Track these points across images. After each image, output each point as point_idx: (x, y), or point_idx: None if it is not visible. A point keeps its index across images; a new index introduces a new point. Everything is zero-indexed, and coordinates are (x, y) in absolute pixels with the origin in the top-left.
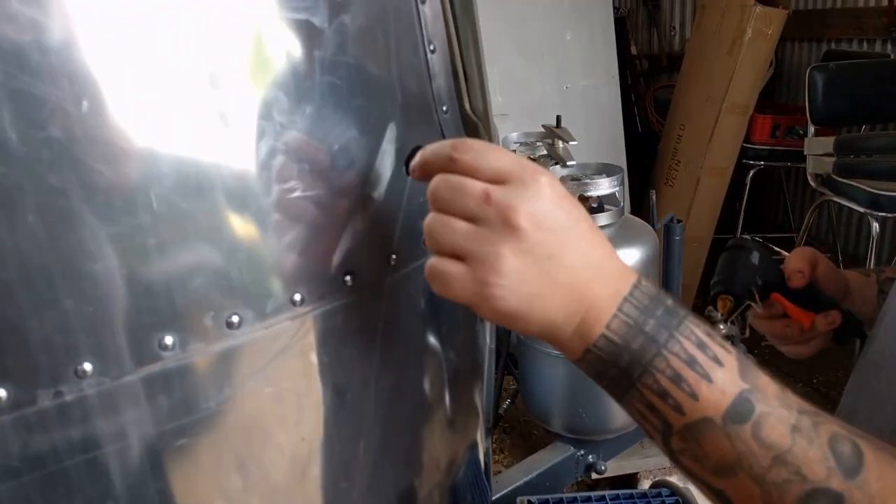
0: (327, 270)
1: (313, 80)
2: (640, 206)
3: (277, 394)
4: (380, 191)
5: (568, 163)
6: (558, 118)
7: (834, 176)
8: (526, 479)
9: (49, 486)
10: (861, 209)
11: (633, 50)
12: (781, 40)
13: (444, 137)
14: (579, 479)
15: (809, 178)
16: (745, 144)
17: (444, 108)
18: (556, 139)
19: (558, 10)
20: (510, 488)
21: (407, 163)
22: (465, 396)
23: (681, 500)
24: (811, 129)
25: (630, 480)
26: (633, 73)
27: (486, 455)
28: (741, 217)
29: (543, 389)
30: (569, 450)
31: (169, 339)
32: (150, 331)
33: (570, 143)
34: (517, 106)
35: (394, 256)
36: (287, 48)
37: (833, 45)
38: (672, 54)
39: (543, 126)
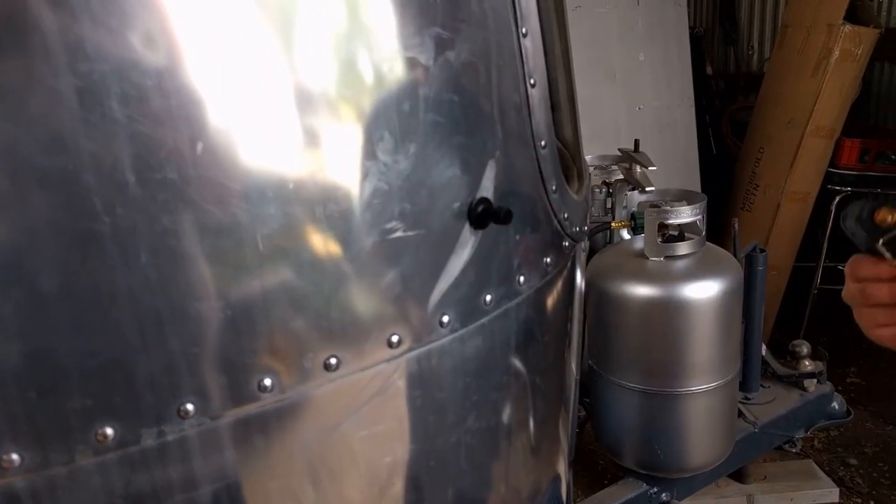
0: (424, 311)
1: (417, 119)
2: (715, 231)
3: (371, 437)
4: (477, 230)
5: (647, 188)
6: (636, 142)
7: None
8: None
9: None
10: None
11: (709, 69)
12: (870, 59)
13: (541, 173)
14: None
15: None
16: (830, 169)
17: (543, 143)
18: (633, 163)
19: (632, 29)
20: None
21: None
22: (550, 429)
23: None
24: None
25: None
26: (709, 93)
27: (567, 488)
28: (825, 245)
29: (616, 422)
30: (641, 486)
31: (268, 381)
32: (251, 372)
33: (649, 168)
34: (588, 127)
35: (489, 297)
36: (393, 86)
37: None
38: (750, 74)
39: (620, 150)
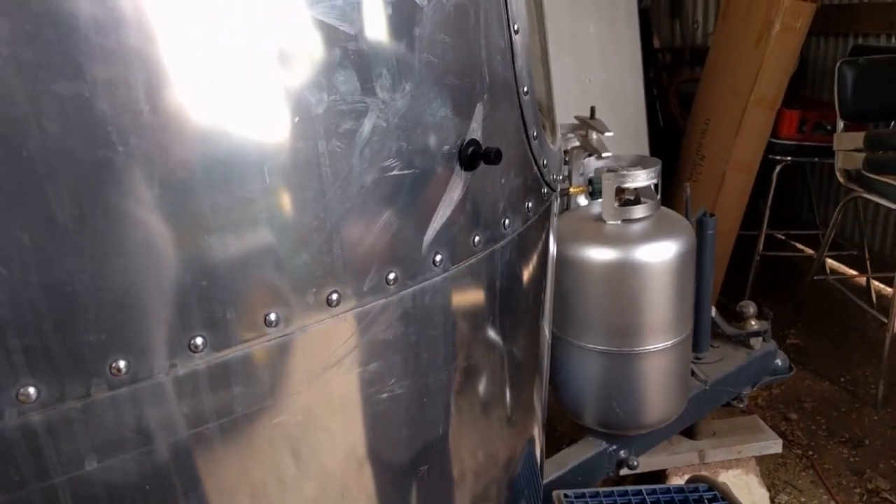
0: (419, 250)
1: (413, 57)
2: (663, 202)
3: (370, 372)
4: (467, 171)
5: (603, 154)
6: (592, 109)
7: (864, 172)
8: (559, 473)
9: (159, 459)
10: (892, 205)
11: (656, 43)
12: (807, 34)
13: (523, 119)
14: (610, 474)
15: (838, 174)
16: (771, 139)
17: (525, 90)
18: (589, 130)
19: (581, 2)
20: (543, 482)
21: (461, 156)
22: (525, 392)
23: (718, 495)
24: (840, 124)
25: (657, 477)
26: (656, 66)
27: (541, 450)
28: (766, 213)
29: (577, 383)
30: (601, 444)
31: (273, 315)
32: (258, 306)
33: (606, 133)
34: None
35: (477, 238)
36: (392, 24)
37: (860, 40)
38: (695, 48)
39: (576, 117)
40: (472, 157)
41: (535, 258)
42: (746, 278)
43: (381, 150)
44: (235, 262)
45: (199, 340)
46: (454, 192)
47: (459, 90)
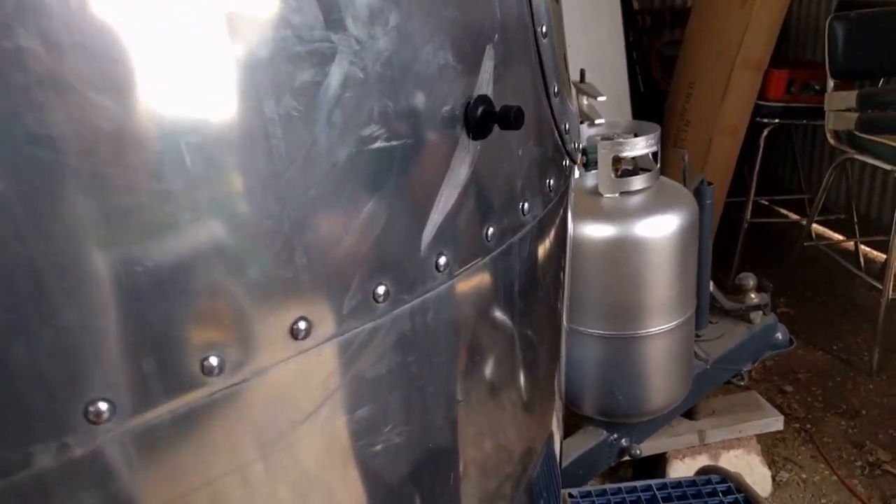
0: (417, 251)
1: None
2: None
3: (364, 418)
4: (475, 140)
5: (596, 121)
6: (582, 72)
7: (857, 132)
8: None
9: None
10: (887, 166)
11: (635, 5)
12: None
13: (542, 70)
14: (613, 464)
15: (829, 135)
16: (759, 102)
17: (543, 30)
18: (580, 95)
19: None
20: None
21: (469, 118)
22: (546, 384)
23: (733, 487)
24: (830, 83)
25: (656, 461)
26: (635, 29)
27: (560, 446)
28: (755, 179)
29: (575, 370)
30: (602, 434)
31: (214, 359)
32: (190, 348)
33: (598, 98)
34: None
35: (491, 230)
36: None
37: None
38: (675, 8)
39: None
40: (482, 119)
41: (555, 249)
42: (733, 247)
43: (358, 113)
44: (150, 291)
45: (102, 406)
46: (460, 170)
47: (463, 28)
